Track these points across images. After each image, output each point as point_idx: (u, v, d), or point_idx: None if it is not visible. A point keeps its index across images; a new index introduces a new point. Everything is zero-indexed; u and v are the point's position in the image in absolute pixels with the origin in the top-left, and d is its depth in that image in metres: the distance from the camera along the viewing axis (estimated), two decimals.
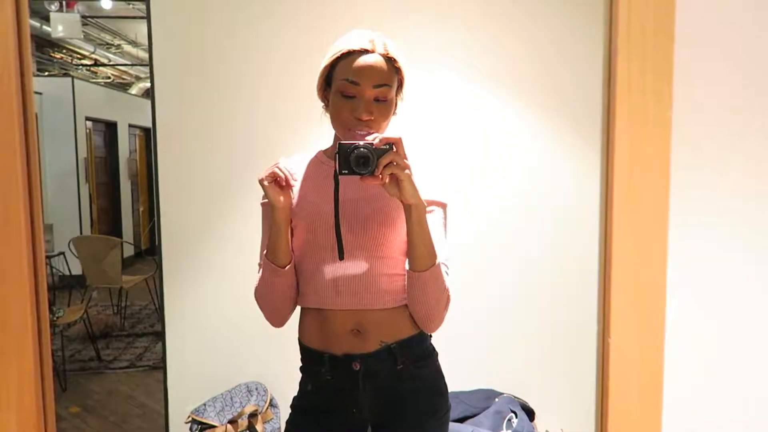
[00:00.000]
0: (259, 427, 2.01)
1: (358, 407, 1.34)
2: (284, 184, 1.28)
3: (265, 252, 1.35)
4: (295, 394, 1.44)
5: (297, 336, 1.41)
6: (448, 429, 1.42)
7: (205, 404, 2.04)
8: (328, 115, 1.37)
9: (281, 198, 1.28)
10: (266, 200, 1.34)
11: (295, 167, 1.39)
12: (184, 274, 2.28)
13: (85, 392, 4.10)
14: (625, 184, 0.58)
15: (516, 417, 1.99)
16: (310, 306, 1.35)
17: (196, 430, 1.97)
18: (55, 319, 4.08)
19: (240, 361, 2.25)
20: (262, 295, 1.38)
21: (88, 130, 7.74)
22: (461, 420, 2.05)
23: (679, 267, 0.63)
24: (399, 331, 1.34)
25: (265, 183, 1.26)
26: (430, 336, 1.42)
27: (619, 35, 0.58)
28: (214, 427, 1.96)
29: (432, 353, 1.41)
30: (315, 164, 1.39)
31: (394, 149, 1.19)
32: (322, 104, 1.38)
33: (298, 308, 1.41)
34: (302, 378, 1.43)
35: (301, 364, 1.42)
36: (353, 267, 1.30)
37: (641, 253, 0.59)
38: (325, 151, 1.42)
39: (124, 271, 5.59)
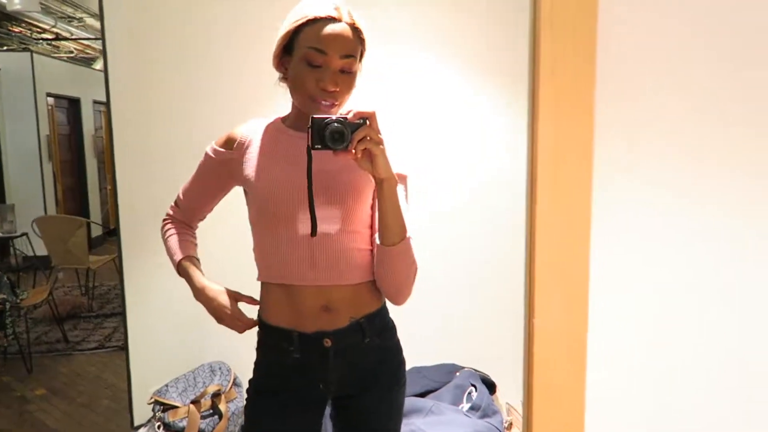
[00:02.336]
0: (222, 406, 2.01)
1: (325, 382, 1.35)
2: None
3: (176, 263, 1.43)
4: (251, 378, 1.42)
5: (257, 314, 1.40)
6: (404, 398, 1.46)
7: (167, 385, 2.03)
8: (283, 84, 1.34)
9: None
10: (218, 155, 1.38)
11: (250, 133, 1.36)
12: (144, 254, 2.25)
13: (51, 374, 4.05)
14: (549, 162, 0.58)
15: (476, 390, 2.03)
16: (276, 282, 1.33)
17: (158, 411, 1.97)
18: (18, 301, 4.01)
19: (203, 342, 2.24)
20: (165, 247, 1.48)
21: (49, 107, 7.53)
22: (423, 394, 2.07)
23: (601, 243, 0.65)
24: (366, 306, 1.35)
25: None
26: (388, 311, 1.44)
27: (542, 14, 0.57)
28: (176, 407, 1.95)
29: (393, 327, 1.43)
30: (273, 133, 1.35)
31: (368, 123, 1.17)
32: (280, 73, 1.33)
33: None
34: (261, 357, 1.41)
35: (259, 343, 1.40)
36: (325, 242, 1.29)
37: (564, 232, 0.60)
38: (284, 120, 1.37)
39: (92, 251, 5.52)
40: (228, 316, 1.36)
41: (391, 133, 1.27)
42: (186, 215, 1.50)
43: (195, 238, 1.51)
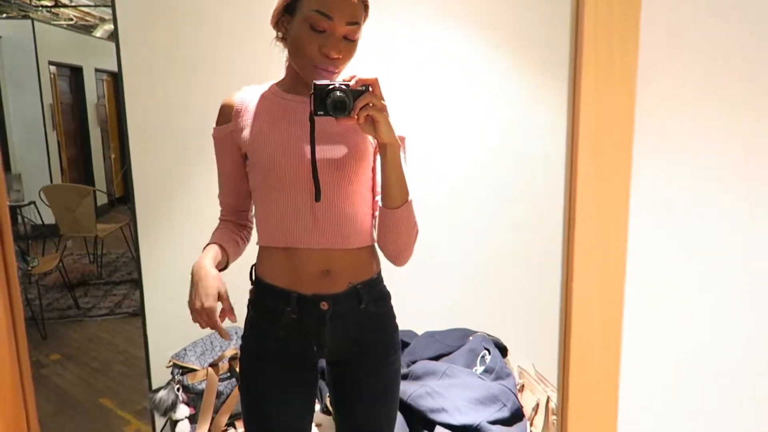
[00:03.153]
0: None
1: (320, 345, 1.37)
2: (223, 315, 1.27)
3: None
4: (244, 333, 1.41)
5: (250, 272, 1.40)
6: (400, 363, 1.48)
7: (185, 349, 2.07)
8: (280, 45, 1.32)
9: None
10: (219, 133, 1.36)
11: (247, 100, 1.35)
12: (158, 222, 2.27)
13: (65, 340, 4.12)
14: (591, 135, 0.59)
15: (489, 354, 2.06)
16: (278, 246, 1.34)
17: (177, 374, 2.01)
18: (29, 268, 4.05)
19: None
20: None
21: (52, 75, 7.46)
22: (436, 358, 2.11)
23: (640, 214, 0.65)
24: (364, 272, 1.37)
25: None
26: (383, 279, 1.44)
27: None
28: (195, 370, 1.99)
29: (388, 294, 1.45)
30: (269, 98, 1.35)
31: (371, 90, 1.17)
32: (278, 33, 1.31)
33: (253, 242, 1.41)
34: (254, 316, 1.40)
35: (253, 302, 1.40)
36: (328, 206, 1.29)
37: (603, 202, 0.61)
38: (279, 84, 1.36)
39: (99, 219, 5.53)
40: (202, 313, 1.24)
41: (392, 97, 1.26)
42: (232, 211, 1.45)
43: (239, 233, 1.44)
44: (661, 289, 0.72)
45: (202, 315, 1.24)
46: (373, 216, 1.37)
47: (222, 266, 1.35)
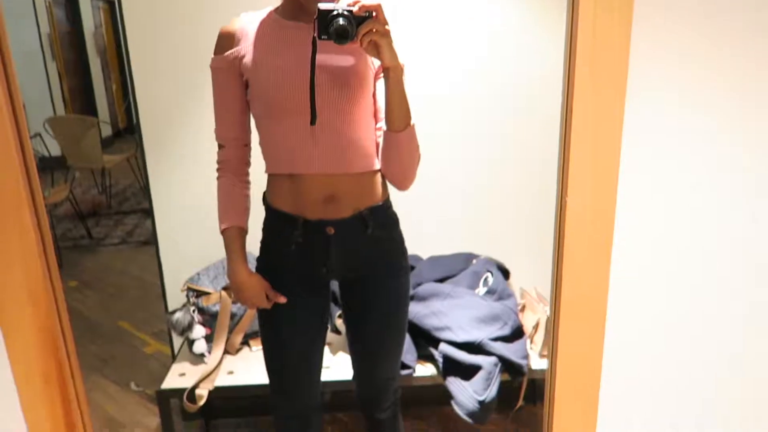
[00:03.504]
0: None
1: (328, 268, 1.43)
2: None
3: (221, 227, 1.42)
4: (258, 256, 1.49)
5: (262, 197, 1.45)
6: (409, 285, 1.55)
7: (198, 273, 2.15)
8: None
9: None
10: (220, 62, 1.37)
11: (246, 27, 1.36)
12: (165, 151, 2.29)
13: (80, 268, 4.24)
14: (588, 56, 0.60)
15: (492, 276, 2.13)
16: (283, 172, 1.38)
17: (192, 296, 2.09)
18: None
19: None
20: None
21: (47, 3, 7.27)
22: (441, 280, 2.19)
23: (634, 132, 0.67)
24: (370, 198, 1.40)
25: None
26: (391, 205, 1.49)
27: None
28: (209, 293, 2.08)
29: (396, 220, 1.49)
30: (269, 24, 1.35)
31: (374, 16, 1.17)
32: None
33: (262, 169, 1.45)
34: (266, 238, 1.47)
35: (265, 225, 1.46)
36: (331, 130, 1.32)
37: (599, 118, 0.63)
38: (277, 11, 1.36)
39: (105, 150, 5.55)
40: (254, 304, 1.45)
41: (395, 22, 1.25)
42: (233, 150, 1.45)
43: (247, 186, 1.48)
44: (652, 200, 0.75)
45: (257, 305, 1.45)
46: (377, 142, 1.39)
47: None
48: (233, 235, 1.41)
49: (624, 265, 0.76)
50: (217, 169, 1.46)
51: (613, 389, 0.80)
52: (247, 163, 1.49)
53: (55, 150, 5.66)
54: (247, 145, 1.47)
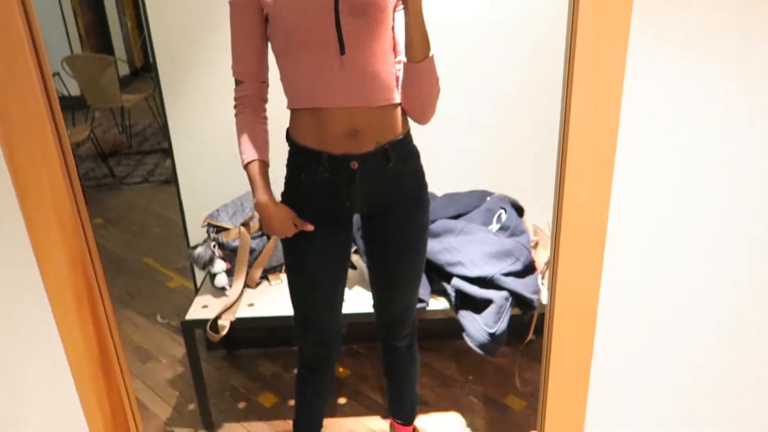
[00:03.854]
0: None
1: (352, 202, 1.48)
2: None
3: (244, 164, 1.45)
4: (283, 191, 1.54)
5: (286, 133, 1.48)
6: (429, 219, 1.59)
7: (218, 210, 2.20)
8: None
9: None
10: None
11: None
12: (183, 90, 2.30)
13: (105, 206, 4.35)
14: None
15: (505, 213, 2.15)
16: (305, 107, 1.40)
17: (212, 232, 2.16)
18: None
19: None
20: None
21: None
22: (455, 217, 2.22)
23: (637, 66, 0.67)
24: (391, 131, 1.43)
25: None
26: (412, 139, 1.51)
27: None
28: (228, 229, 2.14)
29: (417, 153, 1.53)
30: None
31: None
32: None
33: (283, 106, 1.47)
34: (291, 175, 1.51)
35: (290, 161, 1.50)
36: (352, 62, 1.33)
37: (602, 53, 0.63)
38: None
39: (123, 90, 5.56)
40: (283, 234, 1.48)
41: None
42: (251, 86, 1.46)
43: (265, 121, 1.50)
44: (653, 135, 0.76)
45: (285, 236, 1.49)
46: (396, 75, 1.41)
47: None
48: (256, 168, 1.44)
49: (624, 194, 0.78)
50: (235, 106, 1.48)
51: (609, 320, 0.83)
52: (265, 100, 1.50)
53: (74, 90, 5.69)
54: (264, 82, 1.49)
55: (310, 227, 1.47)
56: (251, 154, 1.44)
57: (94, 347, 0.75)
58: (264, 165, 1.46)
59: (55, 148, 0.67)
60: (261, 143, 1.47)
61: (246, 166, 1.45)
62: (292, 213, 1.47)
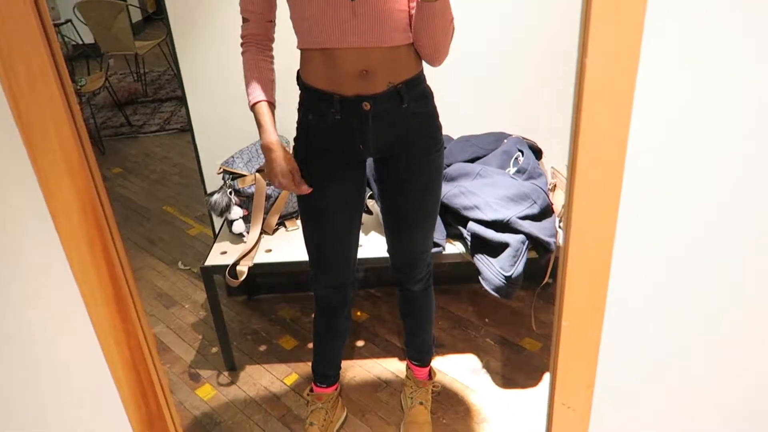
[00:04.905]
0: None
1: (365, 144, 1.46)
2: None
3: (250, 105, 1.44)
4: (296, 136, 1.53)
5: (296, 76, 1.46)
6: (443, 160, 1.57)
7: (233, 157, 2.20)
8: None
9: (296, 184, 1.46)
10: None
11: None
12: (194, 35, 2.26)
13: (123, 155, 4.38)
14: None
15: (522, 155, 2.12)
16: (316, 47, 1.37)
17: (228, 179, 2.16)
18: (78, 88, 4.18)
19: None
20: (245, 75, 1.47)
21: None
22: (471, 161, 2.19)
23: (657, 11, 0.64)
24: (404, 71, 1.40)
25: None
26: (425, 78, 1.48)
27: None
28: (243, 176, 2.14)
29: (430, 94, 1.50)
30: None
31: None
32: None
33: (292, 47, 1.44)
34: (303, 118, 1.50)
35: (301, 104, 1.49)
36: (365, 2, 1.30)
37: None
38: None
39: (136, 36, 5.50)
40: (286, 182, 1.45)
41: None
42: (257, 24, 1.45)
43: (271, 61, 1.49)
44: (673, 73, 0.73)
45: (286, 185, 1.47)
46: (410, 14, 1.37)
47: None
48: (263, 109, 1.44)
49: (642, 135, 0.75)
50: (242, 44, 1.48)
51: (624, 262, 0.82)
52: (271, 39, 1.49)
53: (87, 37, 5.64)
54: (271, 21, 1.47)
55: (307, 190, 1.48)
56: (258, 94, 1.44)
57: (109, 290, 0.77)
58: (271, 106, 1.46)
59: (58, 93, 0.66)
60: (267, 82, 1.46)
61: (252, 107, 1.45)
62: (295, 166, 1.47)
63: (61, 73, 0.66)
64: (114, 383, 0.83)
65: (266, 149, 1.44)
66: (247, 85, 1.45)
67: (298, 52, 1.46)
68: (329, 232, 1.59)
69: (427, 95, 1.49)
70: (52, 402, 0.91)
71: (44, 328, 0.83)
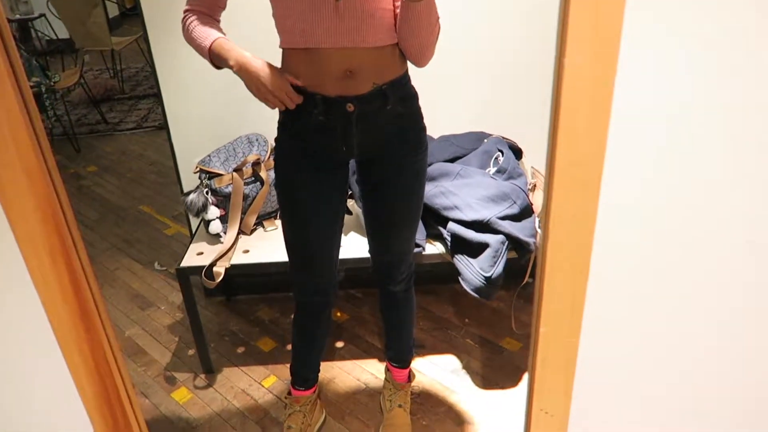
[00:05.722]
0: (263, 174, 2.15)
1: (348, 145, 1.43)
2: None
3: (208, 47, 1.37)
4: (277, 136, 1.50)
5: None
6: (427, 162, 1.55)
7: (210, 155, 2.16)
8: None
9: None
10: None
11: None
12: (170, 32, 2.22)
13: (98, 153, 4.30)
14: None
15: (503, 155, 2.11)
16: (299, 47, 1.34)
17: (205, 178, 2.12)
18: (52, 83, 4.09)
19: (238, 115, 2.32)
20: (188, 41, 1.43)
21: None
22: (452, 160, 2.17)
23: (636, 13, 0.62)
24: (389, 72, 1.38)
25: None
26: (410, 79, 1.46)
27: None
28: (220, 175, 2.10)
29: (415, 94, 1.48)
30: None
31: None
32: None
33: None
34: (285, 119, 1.46)
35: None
36: (349, 3, 1.27)
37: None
38: None
39: (113, 32, 5.40)
40: (279, 90, 1.34)
41: None
42: (205, 3, 1.42)
43: (220, 27, 1.45)
44: (653, 69, 0.72)
45: (283, 98, 1.35)
46: (395, 13, 1.34)
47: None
48: (222, 42, 1.38)
49: (621, 132, 0.74)
50: (185, 12, 1.43)
51: (603, 269, 0.81)
52: (217, 21, 1.46)
53: (62, 33, 5.53)
54: (215, 14, 1.45)
55: (299, 99, 1.37)
56: (213, 34, 1.38)
57: (70, 297, 0.73)
58: (227, 40, 1.39)
59: (12, 89, 0.62)
60: (216, 29, 1.41)
61: (210, 48, 1.38)
62: (275, 66, 1.38)
63: (16, 71, 0.63)
64: (78, 393, 0.79)
65: (244, 63, 1.34)
66: (196, 38, 1.39)
67: (280, 51, 1.43)
68: (311, 234, 1.56)
69: (412, 96, 1.47)
70: (15, 412, 0.88)
71: (5, 340, 0.80)
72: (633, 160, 0.76)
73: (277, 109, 1.46)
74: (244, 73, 1.35)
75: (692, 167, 0.77)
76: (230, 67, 1.37)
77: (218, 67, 1.43)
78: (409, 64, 1.45)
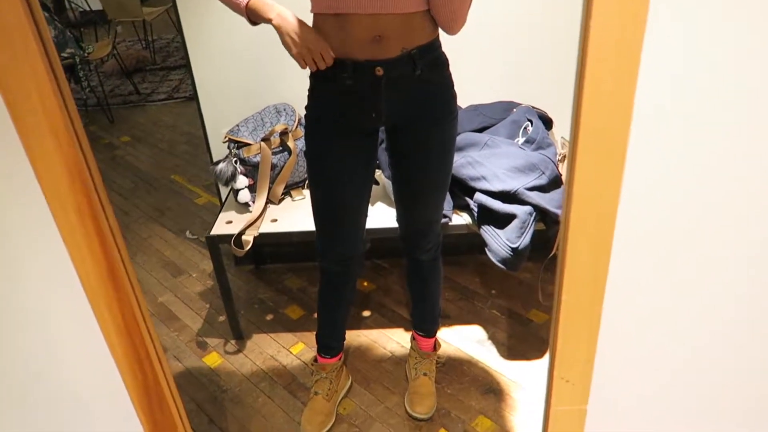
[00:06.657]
0: (290, 143, 2.16)
1: (378, 111, 1.43)
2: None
3: (246, 1, 1.36)
4: (307, 104, 1.50)
5: None
6: (456, 130, 1.53)
7: (238, 125, 2.17)
8: None
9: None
10: None
11: None
12: (199, 3, 2.22)
13: (131, 123, 4.37)
14: None
15: (532, 125, 2.07)
16: (329, 12, 1.34)
17: (233, 148, 2.14)
18: (86, 54, 4.15)
19: (266, 85, 2.32)
20: None
21: None
22: (480, 130, 2.15)
23: None
24: (418, 37, 1.37)
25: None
26: (440, 45, 1.44)
27: None
28: (249, 144, 2.12)
29: (445, 61, 1.46)
30: None
31: None
32: None
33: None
34: (315, 84, 1.47)
35: (312, 71, 1.44)
36: None
37: None
38: None
39: (144, 3, 5.44)
40: (316, 46, 1.34)
41: None
42: None
43: None
44: (683, 34, 0.69)
45: (316, 52, 1.35)
46: None
47: None
48: None
49: (649, 99, 0.72)
50: None
51: (626, 237, 0.79)
52: None
53: (95, 4, 5.59)
54: None
55: (331, 59, 1.37)
56: None
57: (100, 256, 0.76)
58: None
59: (37, 51, 0.64)
60: None
61: (248, 3, 1.38)
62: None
63: (41, 33, 0.64)
64: (109, 351, 0.82)
65: (287, 18, 1.36)
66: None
67: (311, 16, 1.42)
68: (338, 204, 1.57)
69: (442, 63, 1.45)
70: (47, 370, 0.91)
71: (37, 299, 0.83)
72: (660, 127, 0.73)
73: (306, 78, 1.46)
74: (285, 26, 1.36)
75: (723, 137, 0.75)
76: (269, 21, 1.37)
77: (254, 23, 1.42)
78: (441, 32, 1.43)
